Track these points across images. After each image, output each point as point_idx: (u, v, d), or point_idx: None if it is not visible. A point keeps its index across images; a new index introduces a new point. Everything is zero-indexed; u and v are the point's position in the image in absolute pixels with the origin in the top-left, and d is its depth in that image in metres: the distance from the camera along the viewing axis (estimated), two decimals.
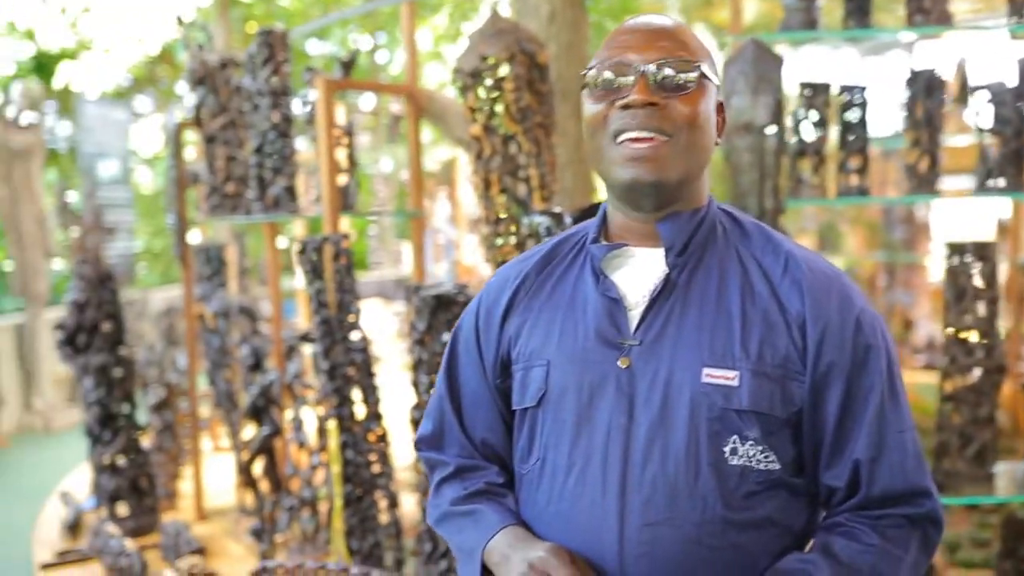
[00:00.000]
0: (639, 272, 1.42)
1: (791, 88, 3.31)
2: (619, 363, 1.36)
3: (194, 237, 6.13)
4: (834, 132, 3.36)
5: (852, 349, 1.34)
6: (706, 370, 1.33)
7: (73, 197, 9.54)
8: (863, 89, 3.27)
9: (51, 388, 8.27)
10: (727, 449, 1.32)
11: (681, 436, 1.32)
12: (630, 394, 1.35)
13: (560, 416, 1.40)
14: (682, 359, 1.34)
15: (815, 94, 3.16)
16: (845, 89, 3.27)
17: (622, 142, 1.35)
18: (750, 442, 1.32)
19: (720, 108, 1.44)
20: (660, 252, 1.41)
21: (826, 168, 3.17)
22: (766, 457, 1.33)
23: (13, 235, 8.13)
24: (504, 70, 2.98)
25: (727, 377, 1.32)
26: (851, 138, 3.27)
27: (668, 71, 1.34)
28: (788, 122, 3.20)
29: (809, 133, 3.17)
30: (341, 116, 3.86)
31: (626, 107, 1.33)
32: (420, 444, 1.59)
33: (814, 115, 3.16)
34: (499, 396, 1.52)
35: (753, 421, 1.32)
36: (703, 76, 1.36)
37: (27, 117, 8.28)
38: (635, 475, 1.33)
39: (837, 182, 3.28)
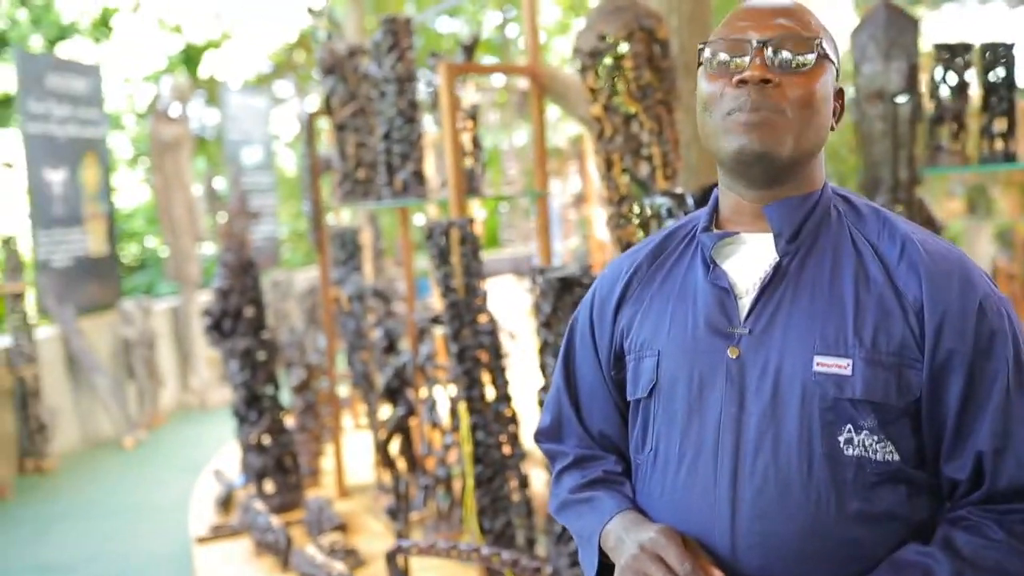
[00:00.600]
0: (750, 259, 1.40)
1: (928, 50, 3.14)
2: (729, 353, 1.35)
3: (330, 221, 6.33)
4: (978, 93, 3.17)
5: (975, 336, 1.29)
6: (817, 358, 1.30)
7: (220, 184, 9.99)
8: (1009, 47, 3.06)
9: (206, 368, 8.72)
10: (842, 439, 1.29)
11: (793, 426, 1.30)
12: (740, 384, 1.33)
13: (671, 406, 1.40)
14: (793, 348, 1.32)
15: (953, 55, 2.98)
16: (988, 48, 3.07)
17: (733, 117, 1.32)
18: (865, 431, 1.29)
19: (839, 94, 1.40)
20: (771, 238, 1.38)
21: (967, 133, 3.00)
22: (883, 447, 1.30)
23: (166, 222, 8.58)
24: (623, 48, 2.94)
25: (839, 365, 1.29)
26: (995, 100, 3.07)
27: (785, 49, 1.31)
28: (924, 87, 3.04)
29: (947, 98, 3.00)
30: (470, 95, 3.89)
31: (741, 83, 1.31)
32: (539, 436, 1.62)
33: (952, 78, 2.99)
34: (614, 387, 1.53)
35: (868, 410, 1.29)
36: (822, 56, 1.32)
37: (176, 109, 8.69)
38: (746, 466, 1.32)
39: (980, 147, 3.09)
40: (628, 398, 1.48)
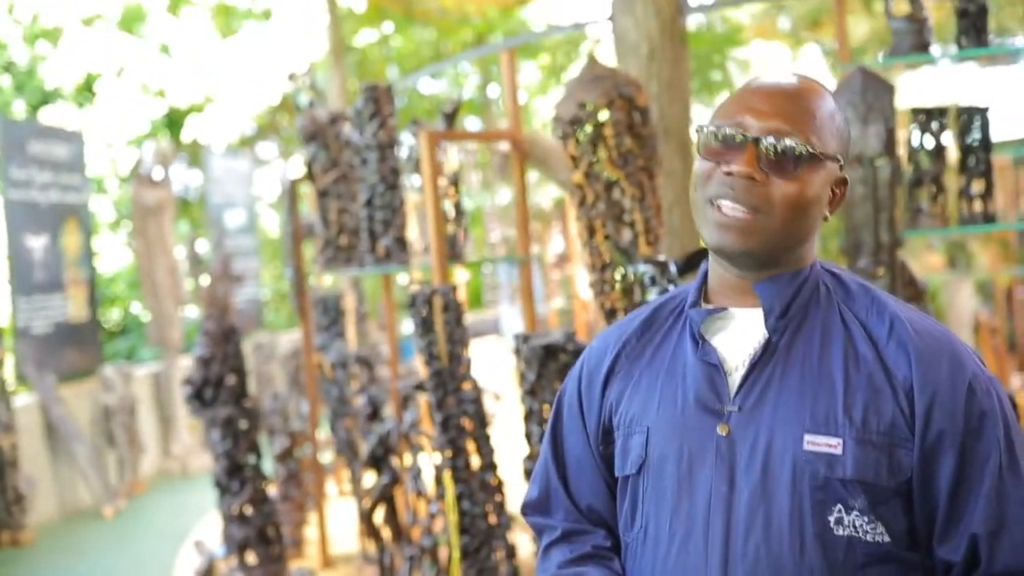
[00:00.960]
0: (739, 335, 1.39)
1: (905, 112, 3.18)
2: (718, 430, 1.34)
3: (314, 284, 6.31)
4: (955, 155, 3.21)
5: (965, 416, 1.28)
6: (808, 437, 1.29)
7: (203, 247, 9.97)
8: (984, 110, 3.11)
9: (187, 433, 8.61)
10: (832, 519, 1.28)
11: (784, 506, 1.29)
12: (730, 462, 1.32)
13: (660, 484, 1.38)
14: (783, 426, 1.31)
15: (929, 119, 3.02)
16: (963, 111, 3.11)
17: (716, 205, 1.33)
18: (855, 512, 1.28)
19: (841, 183, 1.39)
20: (760, 313, 1.38)
21: (946, 195, 3.03)
22: (874, 528, 1.29)
23: (148, 287, 8.53)
24: (603, 116, 2.96)
25: (830, 444, 1.28)
26: (972, 161, 3.11)
27: (779, 148, 1.31)
28: (902, 150, 3.07)
29: (925, 160, 3.03)
30: (452, 158, 3.90)
31: (728, 174, 1.32)
32: (527, 509, 1.59)
33: (929, 141, 3.03)
34: (603, 462, 1.51)
35: (858, 490, 1.28)
36: (817, 158, 1.32)
37: (158, 173, 8.69)
38: (737, 547, 1.30)
39: (959, 209, 3.12)
40: (616, 474, 1.47)
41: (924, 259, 8.11)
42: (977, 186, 3.12)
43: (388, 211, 3.95)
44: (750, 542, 1.29)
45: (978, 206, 3.12)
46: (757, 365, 1.35)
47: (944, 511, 1.29)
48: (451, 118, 3.85)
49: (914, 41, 2.98)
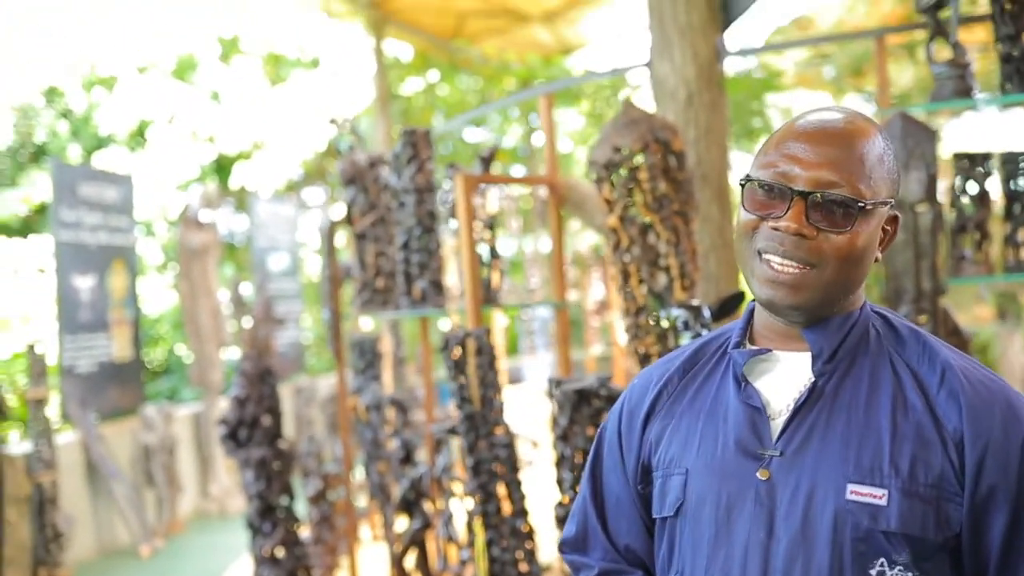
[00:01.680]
0: (784, 378, 1.35)
1: (948, 159, 3.13)
2: (759, 475, 1.30)
3: (352, 328, 6.32)
4: (1000, 202, 3.14)
5: (1019, 471, 1.23)
6: (851, 486, 1.25)
7: (247, 290, 10.07)
8: None
9: (225, 474, 8.63)
10: (874, 572, 1.23)
11: (824, 556, 1.24)
12: (770, 508, 1.28)
13: (698, 528, 1.34)
14: (825, 473, 1.26)
15: (973, 164, 2.96)
16: (1008, 157, 3.05)
17: (765, 260, 1.30)
18: (899, 567, 1.22)
19: (893, 220, 1.35)
20: (807, 357, 1.34)
21: (990, 242, 2.96)
22: None
23: (191, 328, 8.62)
24: (638, 160, 2.94)
25: (875, 495, 1.24)
26: (1018, 209, 3.04)
27: (828, 204, 1.26)
28: (945, 197, 3.01)
29: (968, 207, 2.96)
30: (492, 202, 3.90)
31: (776, 229, 1.28)
32: (564, 547, 1.57)
33: (973, 187, 2.96)
34: (641, 502, 1.48)
35: (903, 544, 1.22)
36: (868, 210, 1.28)
37: (204, 216, 8.83)
38: None
39: (1005, 256, 3.05)
40: (654, 515, 1.44)
41: (973, 311, 7.94)
42: (1023, 234, 3.05)
43: (424, 254, 3.95)
44: None
45: None
46: (802, 409, 1.31)
47: (995, 570, 1.24)
48: (488, 162, 3.86)
49: (956, 87, 2.94)
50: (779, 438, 1.31)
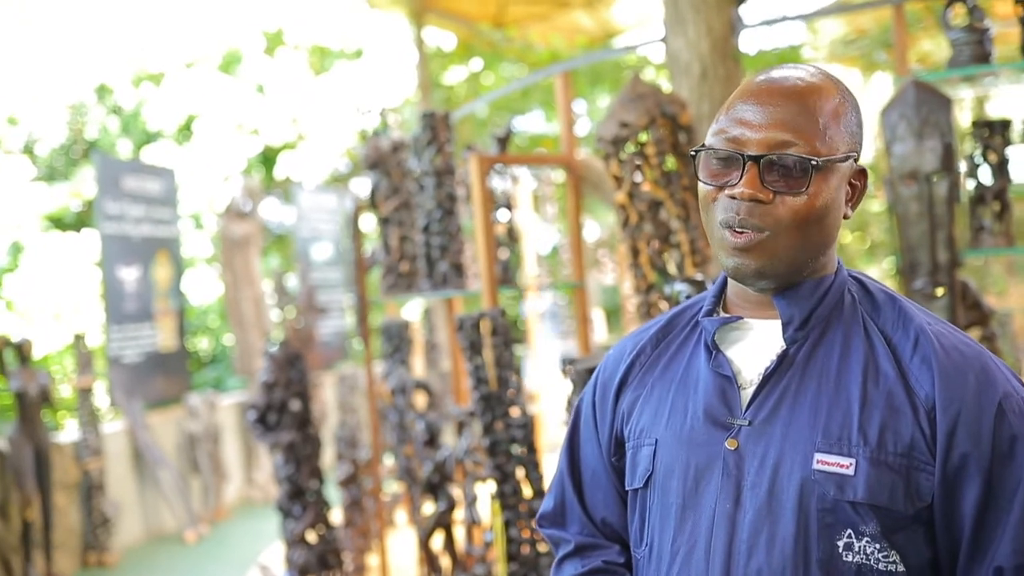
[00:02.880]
0: (756, 347, 1.33)
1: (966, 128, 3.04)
2: (727, 444, 1.28)
3: (389, 314, 6.36)
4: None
5: (992, 439, 1.18)
6: (818, 455, 1.22)
7: (292, 280, 10.19)
8: None
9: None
10: (840, 544, 1.20)
11: (789, 528, 1.21)
12: (737, 478, 1.26)
13: (667, 499, 1.33)
14: (793, 442, 1.24)
15: (992, 133, 2.87)
16: None
17: (726, 229, 1.28)
18: (867, 538, 1.19)
19: (860, 174, 1.31)
20: (779, 324, 1.31)
21: (1010, 213, 2.87)
22: (886, 557, 1.19)
23: (235, 317, 8.75)
24: (646, 135, 2.91)
25: (841, 464, 1.21)
26: None
27: (782, 165, 1.23)
28: (963, 166, 2.93)
29: (987, 177, 2.88)
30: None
31: (733, 197, 1.26)
32: (542, 521, 1.56)
33: (992, 157, 2.88)
34: (616, 474, 1.47)
35: (871, 515, 1.19)
36: (825, 168, 1.24)
37: (247, 207, 8.94)
38: (739, 567, 1.24)
39: None
40: (626, 487, 1.42)
41: (1012, 290, 7.73)
42: None
43: (445, 237, 3.95)
44: (752, 563, 1.23)
45: None
46: (771, 377, 1.28)
47: (968, 542, 1.20)
48: (504, 143, 3.85)
49: (974, 52, 2.85)
50: (748, 407, 1.29)
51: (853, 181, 1.31)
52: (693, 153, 1.32)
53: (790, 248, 1.25)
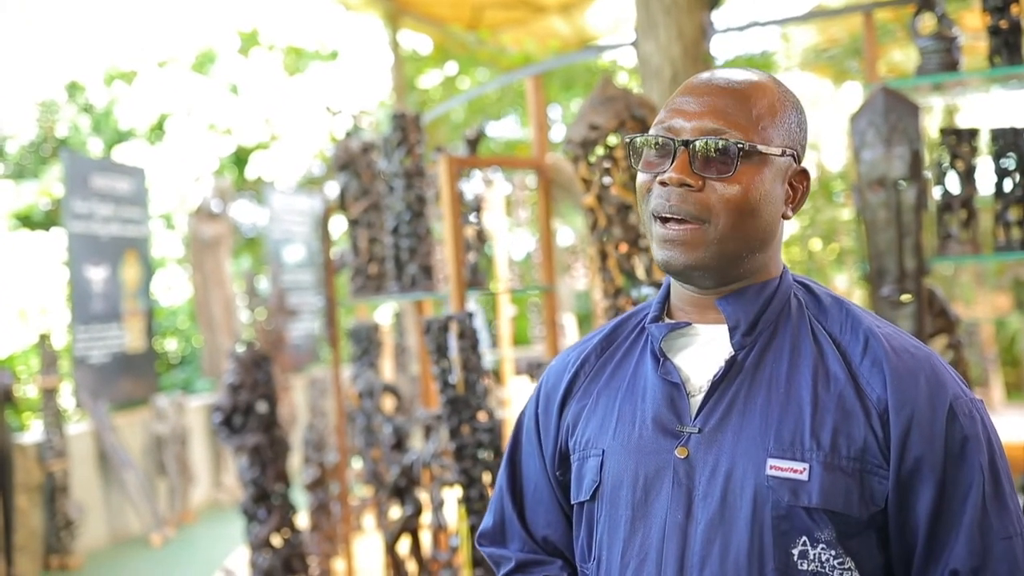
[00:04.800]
0: (705, 353, 1.30)
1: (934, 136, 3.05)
2: (677, 453, 1.25)
3: (359, 317, 6.31)
4: (990, 180, 3.06)
5: (945, 441, 1.17)
6: (771, 461, 1.20)
7: (263, 282, 10.11)
8: (1020, 131, 2.96)
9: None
10: (795, 552, 1.17)
11: (743, 536, 1.19)
12: (688, 488, 1.23)
13: (615, 512, 1.29)
14: (745, 449, 1.21)
15: (960, 141, 2.88)
16: (998, 133, 2.97)
17: (657, 220, 1.26)
18: (822, 545, 1.17)
19: (801, 175, 1.29)
20: (726, 328, 1.29)
21: (977, 221, 2.87)
22: (842, 564, 1.18)
23: (204, 319, 8.66)
24: (614, 138, 2.89)
25: (795, 470, 1.19)
26: (1009, 186, 2.95)
27: (709, 152, 1.22)
28: (931, 174, 2.93)
29: (955, 185, 2.88)
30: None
31: (664, 184, 1.24)
32: (481, 539, 1.52)
33: (960, 165, 2.88)
34: (560, 489, 1.43)
35: (826, 521, 1.17)
36: (755, 155, 1.22)
37: (217, 208, 8.86)
38: None
39: (995, 236, 2.96)
40: (572, 501, 1.38)
41: (993, 300, 7.81)
42: (1015, 212, 2.96)
43: (414, 239, 3.92)
44: (704, 575, 1.20)
45: (1016, 233, 2.96)
46: (720, 384, 1.26)
47: (922, 545, 1.18)
48: (474, 145, 3.82)
49: (942, 60, 2.86)
50: (697, 415, 1.26)
51: (794, 183, 1.30)
52: (628, 140, 1.31)
53: (721, 240, 1.23)
